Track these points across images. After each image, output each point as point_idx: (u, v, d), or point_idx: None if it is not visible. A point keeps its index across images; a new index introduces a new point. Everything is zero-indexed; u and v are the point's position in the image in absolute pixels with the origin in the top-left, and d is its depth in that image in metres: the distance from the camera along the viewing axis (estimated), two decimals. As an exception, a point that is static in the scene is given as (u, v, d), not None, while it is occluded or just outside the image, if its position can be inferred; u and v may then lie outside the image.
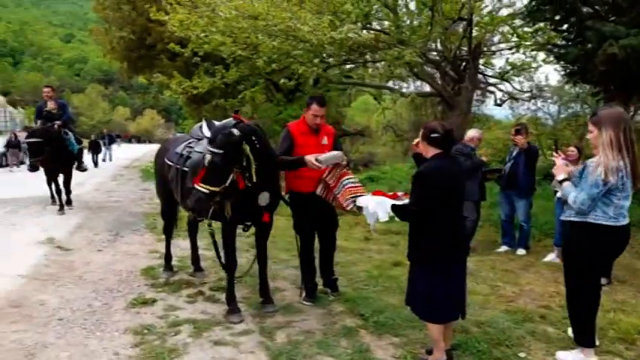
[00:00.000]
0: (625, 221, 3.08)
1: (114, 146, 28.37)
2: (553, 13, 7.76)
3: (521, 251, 6.35)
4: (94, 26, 21.18)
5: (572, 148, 5.86)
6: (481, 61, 11.12)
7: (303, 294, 4.38)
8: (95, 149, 21.49)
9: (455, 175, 3.07)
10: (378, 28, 10.34)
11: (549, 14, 7.84)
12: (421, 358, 3.24)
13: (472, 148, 6.33)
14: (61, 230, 7.15)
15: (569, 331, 3.48)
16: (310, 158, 3.84)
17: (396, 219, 3.30)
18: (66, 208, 8.79)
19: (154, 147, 8.84)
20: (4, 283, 4.67)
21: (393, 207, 3.19)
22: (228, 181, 3.41)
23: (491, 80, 12.90)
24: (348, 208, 3.81)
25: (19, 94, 67.96)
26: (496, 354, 3.31)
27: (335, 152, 4.04)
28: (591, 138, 3.10)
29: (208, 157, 3.45)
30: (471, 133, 6.54)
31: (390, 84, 12.52)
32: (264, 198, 3.80)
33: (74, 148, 8.99)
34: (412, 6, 10.25)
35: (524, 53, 10.02)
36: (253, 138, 3.56)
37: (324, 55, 10.03)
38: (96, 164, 20.66)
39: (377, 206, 3.32)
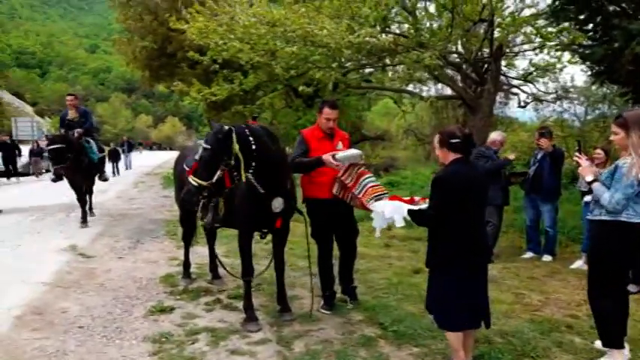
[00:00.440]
0: None
1: (133, 153, 28.46)
2: (578, 13, 7.62)
3: (547, 257, 6.21)
4: (116, 37, 21.58)
5: (598, 151, 5.72)
6: (503, 62, 10.89)
7: (322, 302, 4.32)
8: (115, 158, 21.64)
9: (473, 179, 3.01)
10: (397, 31, 10.25)
11: (574, 13, 7.69)
12: (442, 370, 3.15)
13: (495, 151, 6.25)
14: (83, 237, 7.29)
15: (598, 343, 3.37)
16: (328, 157, 3.84)
17: (415, 225, 3.24)
18: (88, 217, 8.67)
19: (175, 154, 8.95)
20: (27, 291, 4.76)
21: (410, 212, 3.15)
22: (215, 178, 3.41)
23: (515, 82, 12.65)
24: (372, 209, 3.73)
25: (46, 103, 70.05)
26: (521, 366, 3.20)
27: (353, 150, 4.03)
28: (616, 140, 3.16)
29: (200, 151, 3.53)
30: (494, 135, 6.45)
31: (411, 87, 12.40)
32: (278, 203, 3.76)
33: (95, 156, 8.92)
34: (432, 8, 10.14)
35: (548, 54, 9.78)
36: (251, 139, 3.52)
37: (343, 59, 9.99)
38: (115, 173, 20.70)
39: (393, 211, 3.25)
